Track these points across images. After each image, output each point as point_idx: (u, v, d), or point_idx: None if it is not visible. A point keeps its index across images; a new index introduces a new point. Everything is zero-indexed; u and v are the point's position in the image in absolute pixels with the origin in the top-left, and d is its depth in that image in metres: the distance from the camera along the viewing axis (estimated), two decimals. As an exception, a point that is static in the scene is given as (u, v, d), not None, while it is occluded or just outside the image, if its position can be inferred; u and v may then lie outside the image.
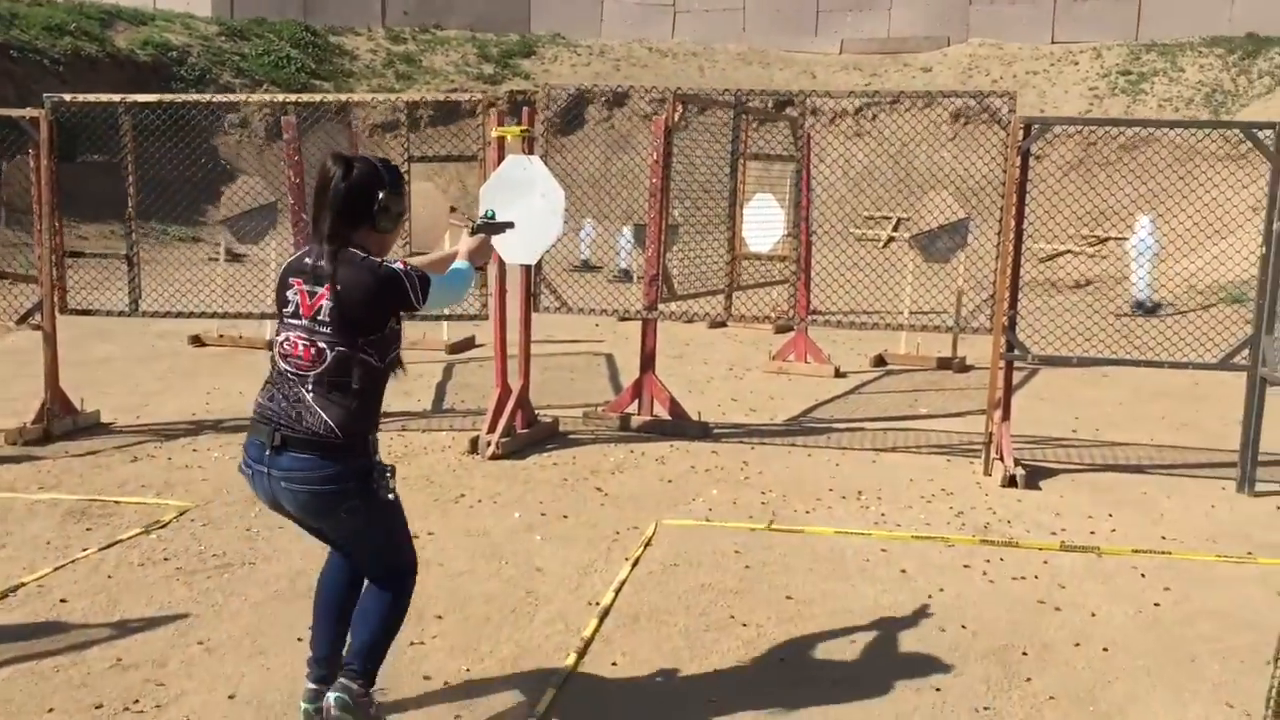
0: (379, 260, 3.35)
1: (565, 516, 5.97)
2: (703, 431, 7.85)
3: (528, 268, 7.53)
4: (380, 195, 3.34)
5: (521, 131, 7.29)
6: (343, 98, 7.42)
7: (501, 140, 7.32)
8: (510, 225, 4.41)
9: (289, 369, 3.30)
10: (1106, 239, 22.23)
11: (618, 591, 4.91)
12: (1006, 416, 6.99)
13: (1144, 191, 13.81)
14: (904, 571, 5.24)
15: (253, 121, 27.19)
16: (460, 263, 3.82)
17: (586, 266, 20.57)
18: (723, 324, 12.64)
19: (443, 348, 11.37)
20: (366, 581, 3.57)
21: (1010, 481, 6.67)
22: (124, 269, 8.08)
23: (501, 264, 7.37)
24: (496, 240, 6.42)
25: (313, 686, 3.58)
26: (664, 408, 8.00)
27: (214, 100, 7.67)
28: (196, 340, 11.67)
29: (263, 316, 8.81)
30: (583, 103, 30.38)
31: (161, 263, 14.65)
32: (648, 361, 8.00)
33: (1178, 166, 17.02)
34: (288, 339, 3.32)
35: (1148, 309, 15.61)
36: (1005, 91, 6.79)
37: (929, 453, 7.56)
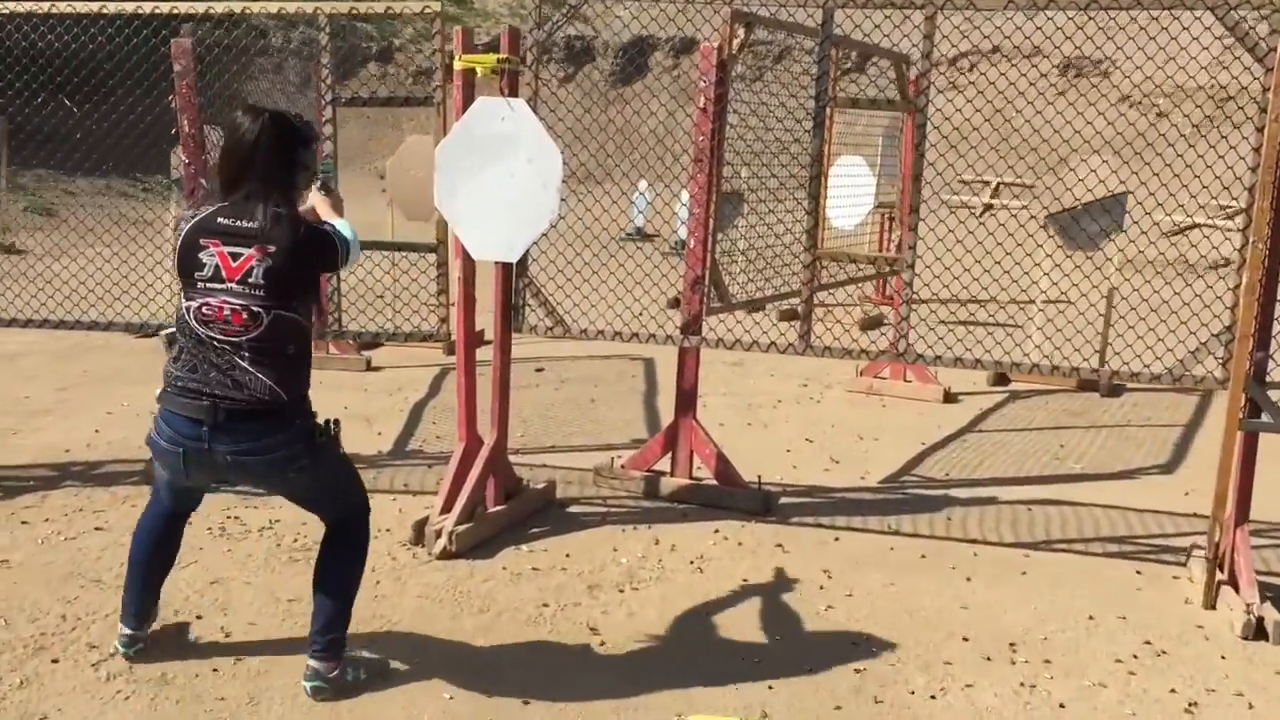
0: (305, 221, 3.30)
1: (526, 703, 3.57)
2: (763, 505, 5.40)
3: (506, 269, 5.10)
4: (299, 151, 3.28)
5: (499, 62, 4.83)
6: (216, 7, 5.00)
7: (469, 75, 4.87)
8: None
9: (216, 335, 3.16)
10: (1241, 211, 19.19)
11: None
12: (1246, 518, 4.44)
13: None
14: None
15: (285, 66, 25.07)
16: (342, 222, 3.59)
17: (640, 235, 18.11)
18: (794, 315, 10.18)
19: (441, 348, 9.01)
20: (321, 548, 3.58)
21: (1257, 630, 4.14)
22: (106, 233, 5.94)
23: (469, 262, 4.96)
24: (461, 229, 4.60)
25: (128, 632, 3.66)
26: (708, 466, 5.55)
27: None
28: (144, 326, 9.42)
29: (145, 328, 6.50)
30: (646, 50, 27.75)
31: (155, 224, 12.46)
32: (686, 402, 5.54)
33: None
34: (207, 304, 3.16)
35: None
36: (1267, 2, 4.18)
37: (1104, 554, 5.03)
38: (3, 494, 5.44)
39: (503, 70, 4.86)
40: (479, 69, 4.83)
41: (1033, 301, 8.65)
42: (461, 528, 4.74)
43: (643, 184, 18.71)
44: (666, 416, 7.05)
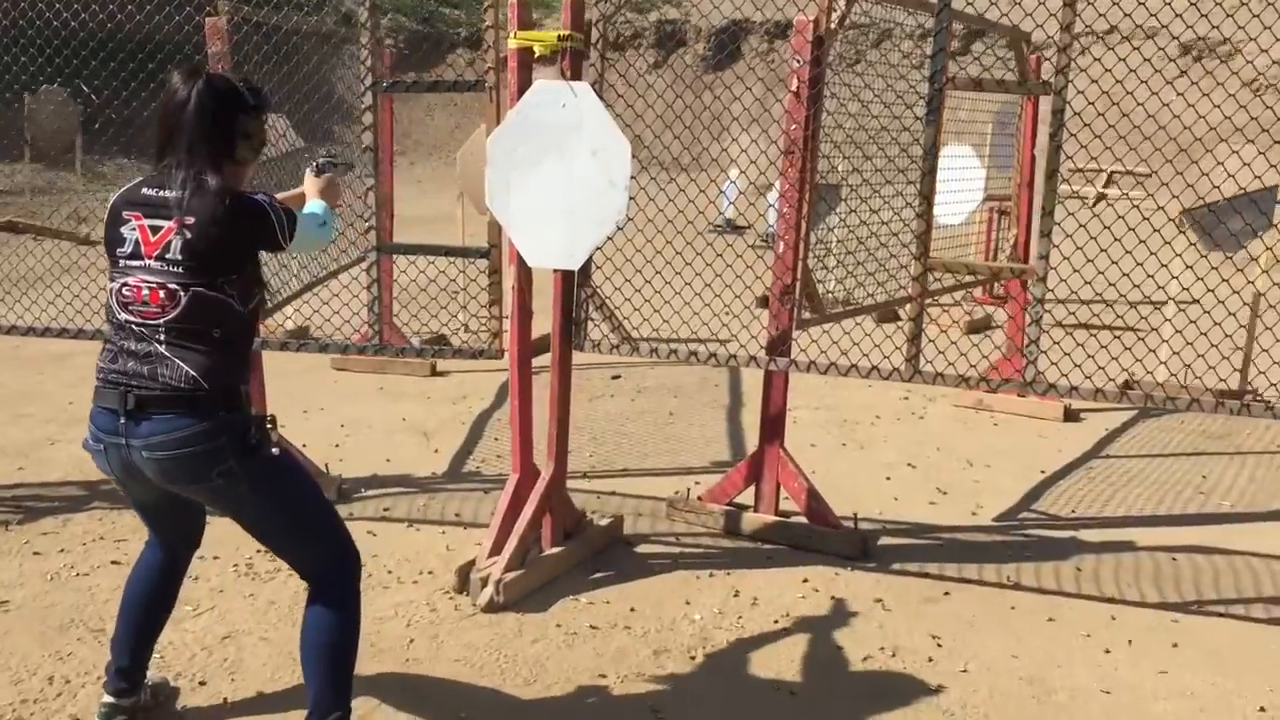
0: (239, 191, 2.87)
1: (569, 814, 2.95)
2: (859, 548, 4.70)
3: (566, 277, 4.47)
4: (241, 119, 2.89)
5: (560, 40, 4.20)
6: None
7: (525, 56, 4.25)
8: (352, 166, 3.84)
9: (133, 319, 2.82)
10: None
11: None
12: None
13: None
14: None
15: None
16: (315, 203, 3.23)
17: (731, 227, 17.36)
18: (894, 316, 9.41)
19: (512, 349, 8.44)
20: (306, 606, 3.03)
21: None
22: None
23: (524, 268, 4.35)
24: (516, 232, 4.09)
25: (109, 699, 3.21)
26: (797, 502, 4.87)
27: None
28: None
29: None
30: (739, 34, 26.94)
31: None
32: (773, 428, 4.87)
33: None
34: (126, 284, 2.84)
35: None
36: None
37: (1269, 620, 4.22)
38: (24, 516, 5.01)
39: (564, 49, 4.22)
40: (536, 47, 4.20)
41: (1165, 302, 7.74)
42: (510, 576, 4.13)
43: (734, 171, 17.91)
44: (751, 433, 6.39)
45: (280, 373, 6.91)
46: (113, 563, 4.48)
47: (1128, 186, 16.26)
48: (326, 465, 5.41)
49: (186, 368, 2.80)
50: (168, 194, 2.82)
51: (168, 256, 2.80)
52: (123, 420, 2.81)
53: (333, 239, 3.36)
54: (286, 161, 6.10)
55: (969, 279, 6.78)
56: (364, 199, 4.58)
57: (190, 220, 2.78)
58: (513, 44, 4.20)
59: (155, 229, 2.82)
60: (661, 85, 6.01)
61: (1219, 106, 5.45)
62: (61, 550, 4.62)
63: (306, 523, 3.01)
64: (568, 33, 4.21)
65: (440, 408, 7.02)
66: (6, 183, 12.11)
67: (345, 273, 6.43)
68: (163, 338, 2.81)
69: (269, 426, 2.92)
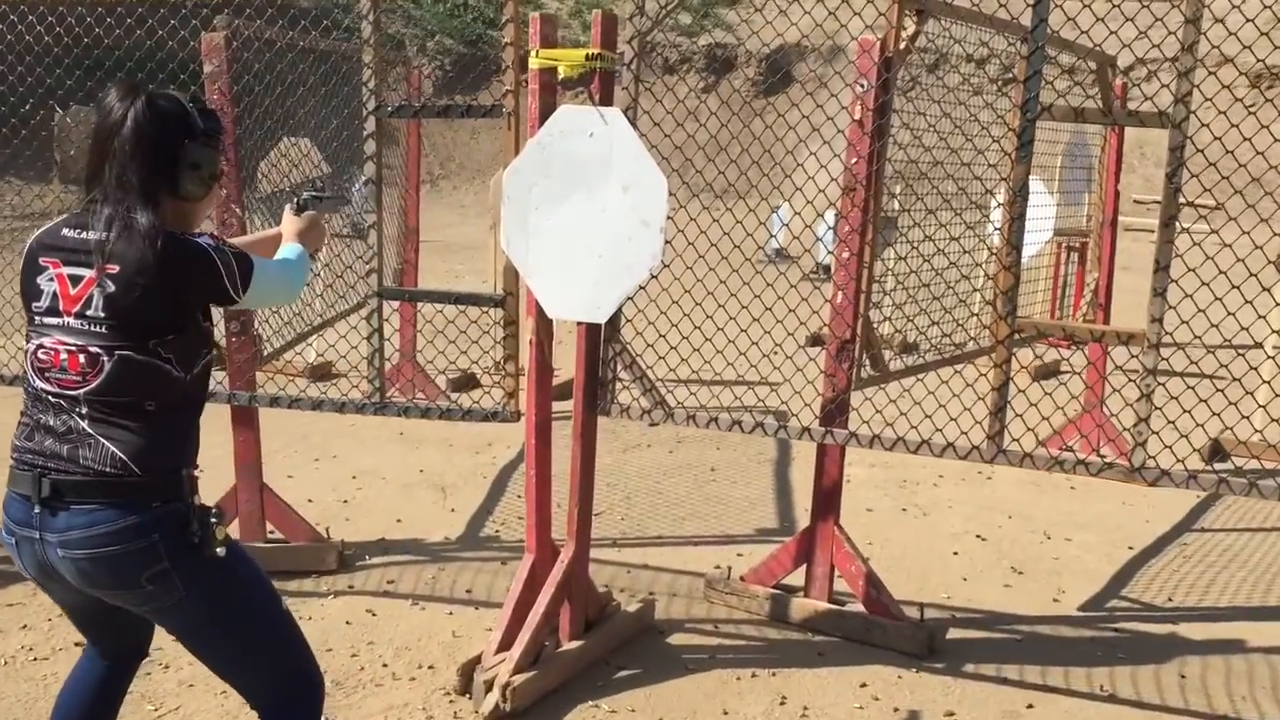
0: (177, 232, 2.38)
1: None
2: (925, 646, 4.08)
3: (591, 331, 3.91)
4: (186, 145, 2.39)
5: (588, 58, 3.65)
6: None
7: (548, 78, 3.70)
8: (346, 201, 3.68)
9: (50, 389, 2.35)
10: None
11: None
12: None
13: None
14: None
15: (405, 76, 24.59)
16: (291, 246, 2.77)
17: (780, 257, 16.73)
18: (956, 360, 8.75)
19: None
20: None
21: None
22: None
23: (544, 320, 3.79)
24: (535, 279, 3.65)
25: None
26: (853, 587, 4.26)
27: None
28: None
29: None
30: (791, 58, 26.38)
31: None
32: (827, 504, 4.26)
33: None
34: (43, 346, 2.36)
35: None
36: None
37: None
38: (-4, 582, 4.53)
39: (593, 70, 3.68)
40: (561, 68, 3.66)
41: (1258, 346, 7.00)
42: (520, 679, 3.55)
43: (784, 204, 17.29)
44: (801, 494, 5.79)
45: (295, 413, 6.41)
46: (76, 644, 3.96)
47: (1188, 220, 15.47)
48: (328, 530, 4.88)
49: (113, 448, 2.32)
50: (89, 236, 2.34)
51: (88, 313, 2.33)
52: (37, 510, 2.33)
53: (303, 287, 2.82)
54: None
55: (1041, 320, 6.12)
56: (365, 238, 4.05)
57: (113, 268, 2.30)
58: (534, 63, 3.65)
59: (75, 279, 2.35)
60: (705, 111, 5.47)
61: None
62: (24, 627, 4.12)
63: (255, 641, 2.48)
64: (597, 51, 3.66)
65: (461, 458, 6.48)
66: (37, 205, 11.85)
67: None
68: (85, 411, 2.33)
69: (214, 520, 2.40)
